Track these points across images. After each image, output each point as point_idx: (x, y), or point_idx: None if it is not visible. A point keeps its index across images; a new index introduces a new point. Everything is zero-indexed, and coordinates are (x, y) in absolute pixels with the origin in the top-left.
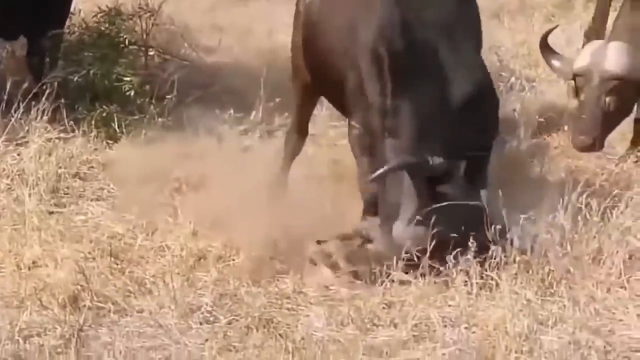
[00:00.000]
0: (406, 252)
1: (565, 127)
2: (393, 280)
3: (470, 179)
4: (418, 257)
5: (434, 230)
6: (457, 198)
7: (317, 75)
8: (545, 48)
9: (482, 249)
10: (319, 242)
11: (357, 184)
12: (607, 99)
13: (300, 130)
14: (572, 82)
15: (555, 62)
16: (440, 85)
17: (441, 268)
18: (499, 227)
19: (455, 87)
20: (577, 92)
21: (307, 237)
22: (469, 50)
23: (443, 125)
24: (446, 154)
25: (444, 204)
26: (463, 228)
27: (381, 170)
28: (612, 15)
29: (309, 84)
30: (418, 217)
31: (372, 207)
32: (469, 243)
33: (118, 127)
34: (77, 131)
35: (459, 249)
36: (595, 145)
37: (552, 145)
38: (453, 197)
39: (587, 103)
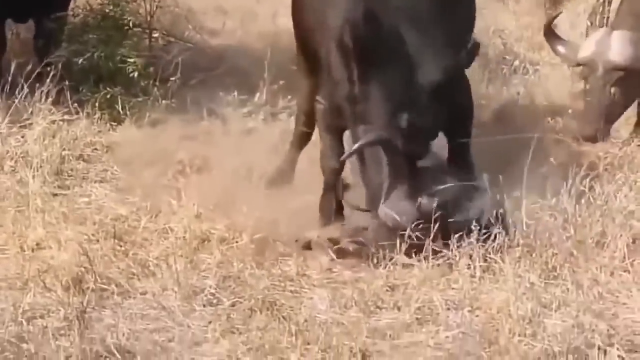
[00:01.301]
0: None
1: (570, 111)
2: (396, 263)
3: (451, 158)
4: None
5: (419, 204)
6: (436, 172)
7: (302, 50)
8: (550, 34)
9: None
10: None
11: (320, 161)
12: (612, 89)
13: (308, 113)
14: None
15: (560, 48)
16: (407, 71)
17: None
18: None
19: (422, 73)
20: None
21: (310, 220)
22: (440, 37)
23: (411, 109)
24: (415, 136)
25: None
26: (446, 201)
27: (355, 147)
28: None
29: (305, 63)
30: (401, 195)
31: (332, 187)
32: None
33: (122, 109)
34: (81, 113)
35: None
36: (601, 135)
37: (555, 129)
38: (432, 171)
39: (591, 93)
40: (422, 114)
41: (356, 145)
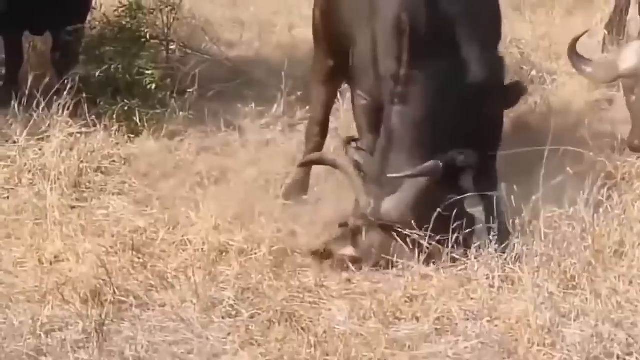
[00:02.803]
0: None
1: (586, 121)
2: (415, 274)
3: (478, 176)
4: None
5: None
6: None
7: (335, 50)
8: (574, 55)
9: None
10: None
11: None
12: None
13: (321, 123)
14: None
15: (588, 68)
16: (454, 66)
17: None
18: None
19: (469, 72)
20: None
21: (328, 231)
22: (486, 38)
23: (451, 104)
24: (452, 139)
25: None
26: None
27: (406, 174)
28: (632, 8)
29: (328, 68)
30: (412, 203)
31: None
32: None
33: (139, 121)
34: (98, 125)
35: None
36: None
37: (573, 138)
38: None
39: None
40: (460, 116)
41: (408, 173)
